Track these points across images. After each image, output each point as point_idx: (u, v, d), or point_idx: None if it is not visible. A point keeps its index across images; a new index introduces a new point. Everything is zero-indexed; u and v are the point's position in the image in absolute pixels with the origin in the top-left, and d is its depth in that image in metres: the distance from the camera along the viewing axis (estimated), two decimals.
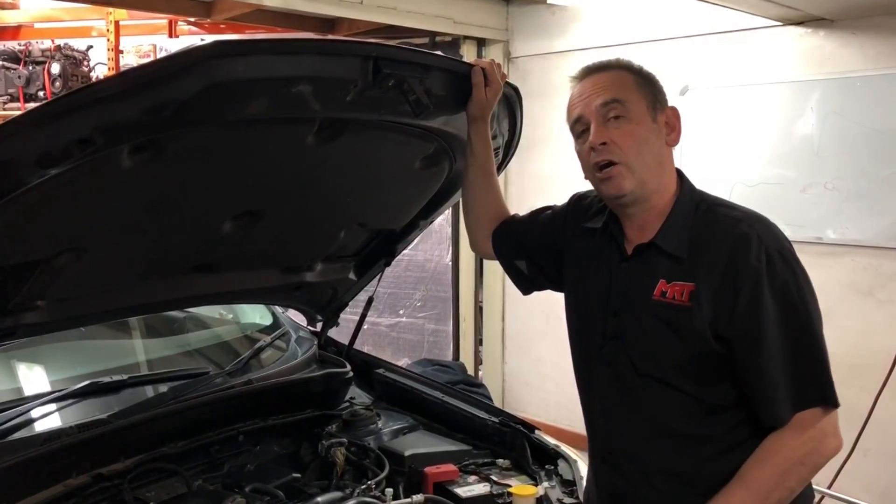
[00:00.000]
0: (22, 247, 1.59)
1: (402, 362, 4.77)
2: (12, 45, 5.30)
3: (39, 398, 1.97)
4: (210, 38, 5.03)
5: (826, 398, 1.47)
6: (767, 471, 1.47)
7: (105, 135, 1.38)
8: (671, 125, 1.62)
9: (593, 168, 1.59)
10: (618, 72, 1.62)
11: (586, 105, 1.59)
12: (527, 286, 1.93)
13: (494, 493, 1.96)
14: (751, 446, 1.51)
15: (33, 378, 2.20)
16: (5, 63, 5.15)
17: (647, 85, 1.61)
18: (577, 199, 1.83)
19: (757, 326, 1.46)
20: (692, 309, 1.50)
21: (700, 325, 1.49)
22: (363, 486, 1.92)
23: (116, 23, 5.03)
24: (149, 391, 2.19)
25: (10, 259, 1.61)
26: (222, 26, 5.11)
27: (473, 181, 1.91)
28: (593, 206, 1.76)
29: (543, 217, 1.87)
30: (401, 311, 5.39)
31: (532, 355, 5.13)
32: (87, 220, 1.63)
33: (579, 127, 1.62)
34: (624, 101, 1.57)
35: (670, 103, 1.65)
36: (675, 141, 1.63)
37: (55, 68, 5.06)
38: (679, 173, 1.64)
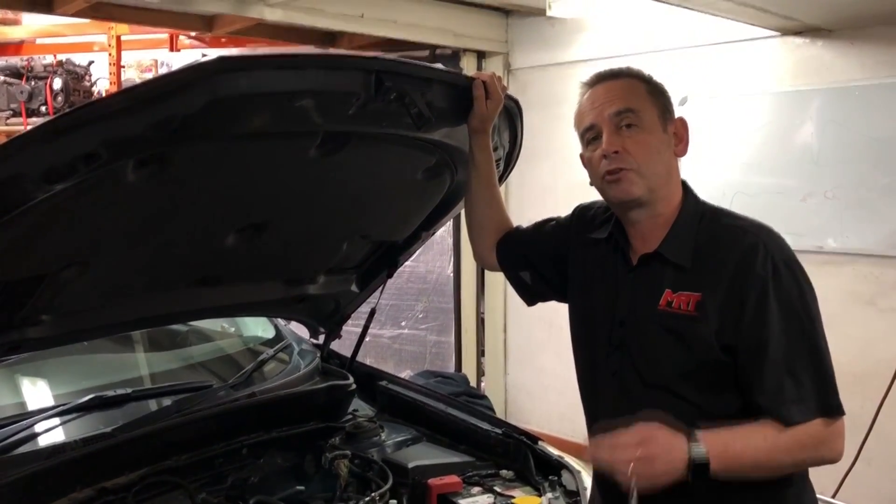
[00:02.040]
0: (28, 261, 1.60)
1: (405, 374, 4.77)
2: (14, 60, 5.34)
3: (43, 412, 1.97)
4: (211, 53, 5.07)
5: (828, 410, 1.47)
6: (769, 440, 1.45)
7: (110, 149, 1.39)
8: (679, 136, 1.63)
9: (602, 175, 1.59)
10: (630, 80, 1.62)
11: (599, 113, 1.59)
12: (531, 297, 1.93)
13: None
14: None
15: (37, 392, 2.20)
16: (7, 78, 5.18)
17: (658, 94, 1.62)
18: (582, 210, 1.83)
19: (762, 335, 1.47)
20: (698, 318, 1.50)
21: (706, 335, 1.50)
22: (367, 499, 1.91)
23: (118, 38, 5.08)
24: (152, 405, 2.19)
25: (16, 273, 1.62)
26: (223, 40, 5.15)
27: (476, 193, 1.92)
28: (598, 216, 1.76)
29: (547, 228, 1.88)
30: (403, 323, 5.40)
31: (534, 366, 5.12)
32: (93, 234, 1.64)
33: (590, 135, 1.61)
34: (637, 111, 1.57)
35: None
36: (683, 152, 1.64)
37: (57, 83, 5.09)
38: (683, 184, 1.65)
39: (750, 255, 1.49)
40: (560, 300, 1.85)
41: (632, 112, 1.57)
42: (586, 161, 1.65)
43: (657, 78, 1.68)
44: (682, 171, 1.67)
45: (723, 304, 1.49)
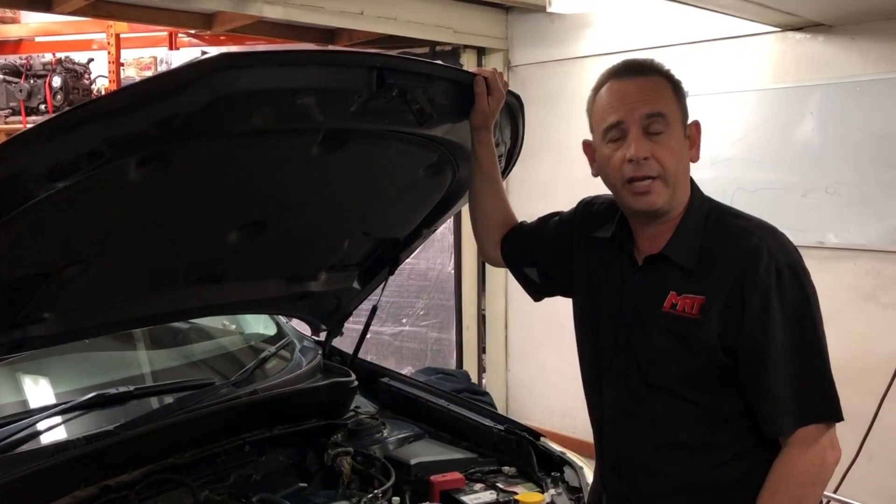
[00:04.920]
0: (30, 259, 1.60)
1: (406, 371, 4.77)
2: (13, 58, 5.33)
3: (46, 410, 1.97)
4: (211, 51, 5.06)
5: (828, 414, 1.47)
6: (784, 501, 1.47)
7: (113, 147, 1.39)
8: (693, 140, 1.58)
9: (626, 179, 1.53)
10: (658, 79, 1.56)
11: (628, 112, 1.52)
12: (537, 293, 1.91)
13: (501, 500, 1.97)
14: (756, 455, 1.52)
15: (39, 390, 2.21)
16: (7, 77, 5.17)
17: (681, 96, 1.57)
18: (585, 206, 1.81)
19: (763, 340, 1.46)
20: (702, 322, 1.49)
21: (709, 338, 1.49)
22: (369, 495, 1.92)
23: (117, 35, 5.06)
24: (154, 402, 2.19)
25: (19, 271, 1.62)
26: (223, 38, 5.13)
27: (479, 190, 1.91)
28: (601, 213, 1.73)
29: (551, 224, 1.86)
30: (404, 320, 5.40)
31: (535, 363, 5.12)
32: (95, 232, 1.64)
33: (615, 133, 1.54)
34: (666, 115, 1.52)
35: None
36: (696, 157, 1.59)
37: (56, 82, 5.08)
38: (690, 182, 1.61)
39: (753, 258, 1.47)
40: (565, 296, 1.83)
41: (663, 117, 1.51)
42: (605, 158, 1.57)
43: None
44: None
45: (725, 307, 1.48)
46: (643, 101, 1.52)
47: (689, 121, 1.59)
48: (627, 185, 1.53)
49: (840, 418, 1.48)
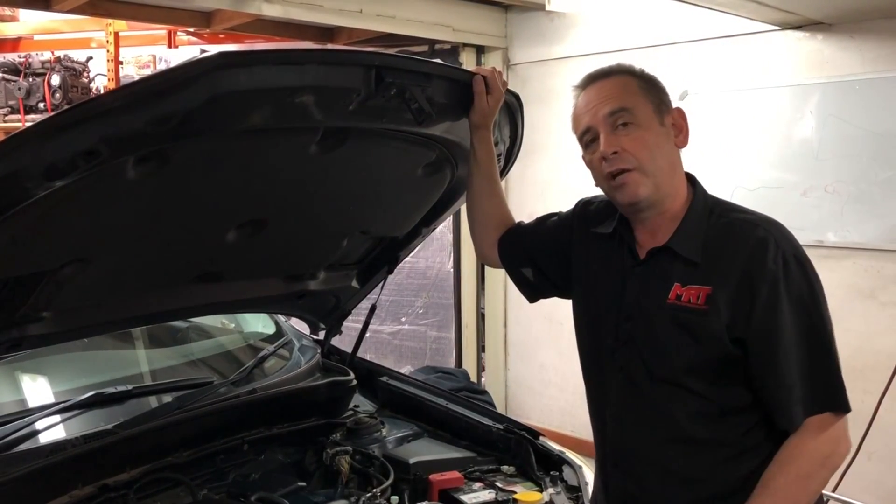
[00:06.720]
0: (28, 258, 1.60)
1: (405, 370, 4.77)
2: (12, 57, 5.32)
3: (44, 409, 1.97)
4: (209, 49, 5.05)
5: (838, 403, 1.48)
6: (791, 476, 1.47)
7: (111, 146, 1.39)
8: (678, 126, 1.62)
9: (606, 177, 1.58)
10: (621, 77, 1.61)
11: (593, 115, 1.59)
12: (533, 294, 1.92)
13: (500, 499, 1.96)
14: (764, 450, 1.52)
15: (38, 389, 2.21)
16: (5, 75, 5.17)
17: (650, 88, 1.61)
18: (584, 205, 1.82)
19: (773, 330, 1.47)
20: (709, 312, 1.50)
21: (717, 328, 1.49)
22: (368, 494, 1.92)
23: (116, 34, 5.05)
24: (153, 401, 2.19)
25: (17, 270, 1.62)
26: (221, 36, 5.12)
27: (477, 189, 1.91)
28: (601, 210, 1.75)
29: (549, 224, 1.87)
30: (403, 319, 5.39)
31: (535, 361, 5.12)
32: (93, 231, 1.64)
33: (588, 137, 1.61)
34: (630, 109, 1.56)
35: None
36: (684, 142, 1.63)
37: (55, 80, 5.08)
38: (691, 178, 1.64)
39: (760, 249, 1.49)
40: (562, 296, 1.84)
41: (626, 111, 1.56)
42: (588, 164, 1.65)
43: (656, 72, 1.66)
44: (683, 165, 1.67)
45: (733, 297, 1.49)
46: (605, 101, 1.58)
47: (674, 108, 1.62)
48: (611, 183, 1.58)
49: (848, 409, 1.49)
